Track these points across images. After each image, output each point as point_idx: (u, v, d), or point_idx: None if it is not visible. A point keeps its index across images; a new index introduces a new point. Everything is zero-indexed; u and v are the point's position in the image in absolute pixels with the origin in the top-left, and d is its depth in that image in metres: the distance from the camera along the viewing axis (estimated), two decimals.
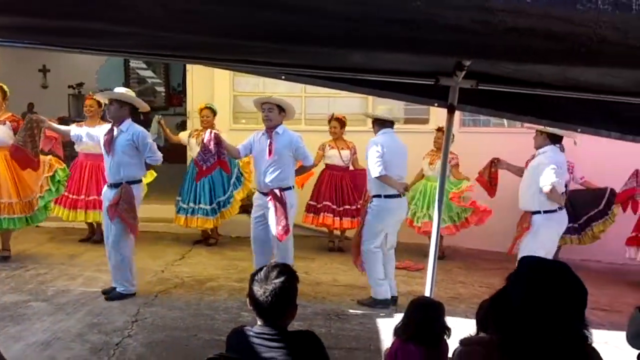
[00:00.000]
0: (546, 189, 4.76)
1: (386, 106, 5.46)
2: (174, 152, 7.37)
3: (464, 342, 1.60)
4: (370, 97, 7.69)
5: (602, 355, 1.58)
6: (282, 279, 2.04)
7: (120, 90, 5.33)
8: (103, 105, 6.47)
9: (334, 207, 6.88)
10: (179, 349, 4.09)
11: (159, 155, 5.19)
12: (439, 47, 1.52)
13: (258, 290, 2.04)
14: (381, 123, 5.19)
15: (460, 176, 6.72)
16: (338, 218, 6.89)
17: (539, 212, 4.92)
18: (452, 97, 3.09)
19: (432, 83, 2.96)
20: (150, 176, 5.83)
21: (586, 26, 1.32)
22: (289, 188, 5.05)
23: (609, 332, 4.46)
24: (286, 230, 4.95)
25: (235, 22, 1.63)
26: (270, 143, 5.04)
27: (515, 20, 1.34)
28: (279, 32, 1.57)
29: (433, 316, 2.69)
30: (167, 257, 6.49)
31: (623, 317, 4.63)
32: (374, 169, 4.96)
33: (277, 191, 4.97)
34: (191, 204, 6.81)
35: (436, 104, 3.24)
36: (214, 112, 6.89)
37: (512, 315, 1.48)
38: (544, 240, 4.94)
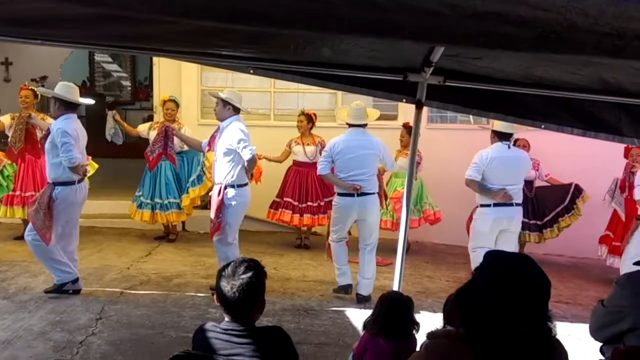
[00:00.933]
0: (465, 180, 5.11)
1: (357, 102, 5.44)
2: (135, 147, 7.20)
3: (430, 336, 1.62)
4: (340, 93, 7.71)
5: (565, 347, 1.62)
6: (249, 274, 2.02)
7: (62, 86, 4.94)
8: (39, 96, 6.33)
9: (295, 203, 6.84)
10: (144, 346, 4.02)
11: (73, 155, 4.71)
12: (407, 32, 1.49)
13: (225, 286, 2.02)
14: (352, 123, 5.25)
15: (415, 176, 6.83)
16: (298, 215, 6.85)
17: (479, 205, 5.19)
18: (420, 93, 3.12)
19: (401, 79, 2.98)
20: (92, 168, 5.59)
21: (556, 12, 1.30)
22: (233, 186, 4.92)
23: (571, 325, 4.58)
24: (216, 228, 4.91)
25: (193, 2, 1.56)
26: (213, 137, 5.10)
27: (485, 4, 1.32)
28: (236, 11, 1.51)
29: (402, 311, 2.72)
30: (132, 254, 6.38)
31: (585, 310, 4.80)
32: (318, 168, 5.20)
33: (217, 187, 4.97)
34: (157, 199, 6.70)
35: (404, 100, 3.26)
36: (177, 105, 6.80)
37: (477, 308, 1.49)
38: (477, 232, 5.15)
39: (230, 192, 4.91)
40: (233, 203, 4.91)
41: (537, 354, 1.46)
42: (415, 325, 2.70)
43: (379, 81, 3.08)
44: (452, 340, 1.52)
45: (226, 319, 2.06)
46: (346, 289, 5.21)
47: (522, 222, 6.40)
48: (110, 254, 6.34)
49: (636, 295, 2.22)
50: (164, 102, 6.80)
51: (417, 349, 2.24)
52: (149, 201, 6.71)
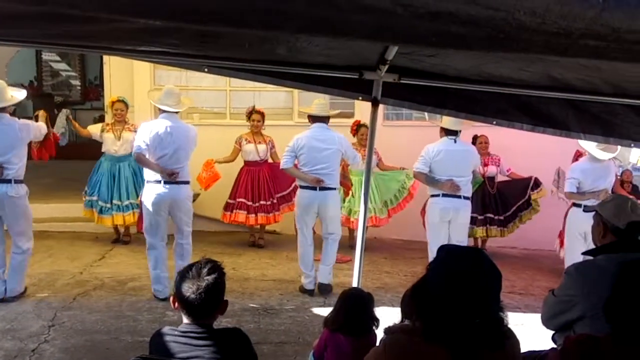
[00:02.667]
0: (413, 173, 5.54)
1: (320, 100, 5.53)
2: (87, 148, 6.97)
3: (388, 331, 1.64)
4: (296, 92, 7.70)
5: (518, 336, 1.66)
6: (214, 275, 2.00)
7: None
8: None
9: (249, 203, 6.81)
10: (100, 352, 3.93)
11: None
12: (361, 32, 1.49)
13: (190, 287, 1.98)
14: (314, 118, 5.40)
15: (389, 167, 6.89)
16: (253, 215, 6.82)
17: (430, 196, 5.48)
18: (376, 90, 3.15)
19: (356, 77, 3.00)
20: (42, 117, 5.40)
21: (505, 11, 1.31)
22: (147, 182, 5.00)
23: (524, 315, 4.72)
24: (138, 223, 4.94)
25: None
26: None
27: (437, 4, 1.32)
28: (187, 10, 1.47)
29: (362, 307, 2.74)
30: (85, 258, 6.21)
31: (537, 300, 4.95)
32: (281, 162, 5.37)
33: None
34: (115, 201, 6.54)
35: (360, 98, 3.28)
36: (127, 105, 6.66)
37: (431, 302, 1.53)
38: (428, 223, 5.45)
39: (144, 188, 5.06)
40: (147, 200, 4.96)
41: (490, 344, 1.50)
42: (375, 321, 2.73)
43: (335, 79, 3.09)
44: (409, 334, 1.54)
45: (185, 321, 2.03)
46: (311, 293, 5.32)
47: (489, 218, 6.58)
48: (62, 258, 6.15)
49: (585, 284, 2.31)
50: (113, 103, 6.64)
51: (377, 344, 2.26)
52: (109, 205, 6.54)
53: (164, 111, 4.96)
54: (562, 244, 6.43)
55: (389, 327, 1.67)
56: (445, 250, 1.60)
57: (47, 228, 7.12)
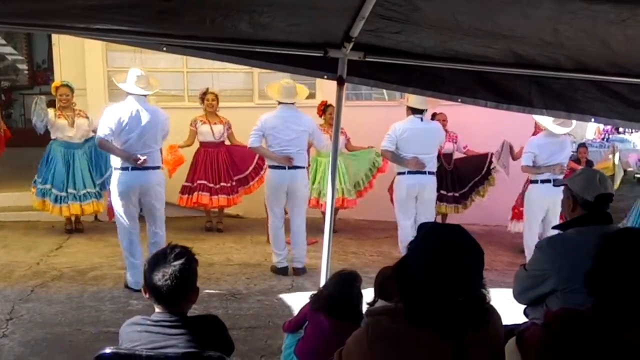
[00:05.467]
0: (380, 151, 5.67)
1: (286, 80, 5.54)
2: (35, 134, 6.65)
3: (369, 314, 1.61)
4: (256, 72, 7.57)
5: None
6: (181, 261, 1.93)
7: None
8: None
9: (211, 185, 6.69)
10: (62, 345, 3.80)
11: None
12: None
13: (157, 274, 1.91)
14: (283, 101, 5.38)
15: (357, 147, 6.88)
16: (215, 196, 6.69)
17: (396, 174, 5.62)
18: (341, 69, 3.10)
19: (321, 55, 2.95)
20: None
21: None
22: (115, 169, 4.82)
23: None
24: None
25: None
26: None
27: None
28: None
29: (347, 291, 2.71)
30: (41, 248, 5.99)
31: (500, 275, 5.06)
32: (249, 141, 5.33)
33: None
34: (71, 190, 6.30)
35: (325, 77, 3.22)
36: (72, 90, 6.39)
37: (413, 282, 1.50)
38: (396, 200, 5.62)
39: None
40: (114, 187, 4.79)
41: (475, 322, 1.49)
42: (359, 313, 2.68)
43: (300, 58, 3.03)
44: (391, 316, 1.52)
45: (157, 310, 1.96)
46: (284, 271, 5.34)
47: (443, 194, 6.64)
48: (17, 249, 5.92)
49: (556, 258, 2.34)
50: (57, 88, 6.37)
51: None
52: (64, 194, 6.30)
53: (129, 94, 4.74)
54: (514, 216, 6.61)
55: (371, 309, 1.65)
56: (425, 228, 1.57)
57: (0, 218, 6.84)
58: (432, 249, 1.53)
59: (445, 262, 1.48)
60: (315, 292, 2.91)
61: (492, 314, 1.58)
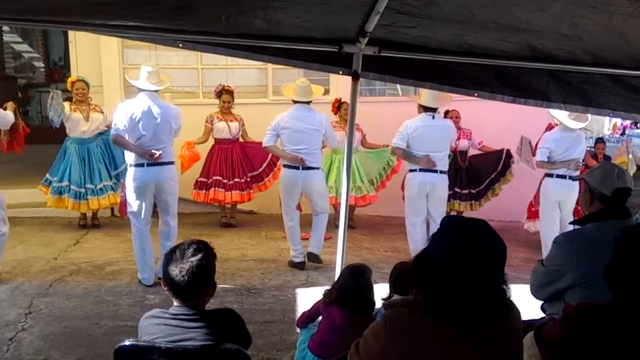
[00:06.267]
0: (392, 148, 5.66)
1: (302, 79, 5.55)
2: (53, 132, 6.72)
3: (388, 306, 1.61)
4: (270, 69, 7.57)
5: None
6: (199, 256, 1.95)
7: None
8: None
9: (225, 181, 6.73)
10: (80, 338, 3.84)
11: None
12: None
13: (174, 269, 1.93)
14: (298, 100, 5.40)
15: (373, 145, 6.87)
16: (229, 192, 6.74)
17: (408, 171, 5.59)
18: (356, 64, 3.10)
19: (336, 50, 2.94)
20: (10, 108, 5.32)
21: None
22: (130, 165, 4.88)
23: None
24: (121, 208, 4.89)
25: None
26: None
27: None
28: None
29: (357, 282, 2.73)
30: (59, 244, 6.06)
31: (516, 271, 5.02)
32: (264, 140, 5.40)
33: None
34: (89, 185, 6.37)
35: (341, 72, 3.22)
36: (88, 85, 6.45)
37: (433, 275, 1.50)
38: (407, 197, 5.58)
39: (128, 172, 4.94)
40: (129, 181, 4.85)
41: (494, 317, 1.48)
42: (371, 304, 2.72)
43: (314, 53, 3.03)
44: (410, 308, 1.51)
45: (175, 303, 1.98)
46: (301, 266, 5.38)
47: (457, 192, 6.61)
48: (35, 244, 5.99)
49: (573, 253, 2.32)
50: (72, 83, 6.44)
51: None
52: (83, 190, 6.36)
53: (141, 90, 4.80)
54: (530, 215, 6.54)
55: (389, 301, 1.64)
56: (449, 222, 1.57)
57: (17, 214, 6.91)
58: (455, 241, 1.52)
59: (466, 254, 1.48)
60: (329, 287, 2.93)
61: (511, 310, 1.57)
